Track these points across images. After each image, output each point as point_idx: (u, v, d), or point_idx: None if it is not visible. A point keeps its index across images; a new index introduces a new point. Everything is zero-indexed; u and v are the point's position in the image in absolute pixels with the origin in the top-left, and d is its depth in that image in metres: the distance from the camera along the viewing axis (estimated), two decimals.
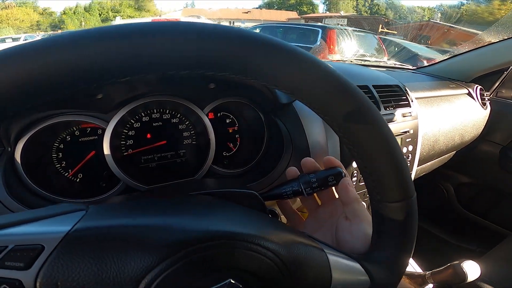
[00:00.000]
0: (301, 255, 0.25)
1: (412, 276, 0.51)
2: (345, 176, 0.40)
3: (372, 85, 0.71)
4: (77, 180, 0.49)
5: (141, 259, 0.19)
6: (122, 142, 0.50)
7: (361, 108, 0.24)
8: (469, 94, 1.11)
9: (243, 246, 0.22)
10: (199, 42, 0.19)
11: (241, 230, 0.23)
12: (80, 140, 0.48)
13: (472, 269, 0.46)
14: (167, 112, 0.53)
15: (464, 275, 0.46)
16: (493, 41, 1.11)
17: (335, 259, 0.27)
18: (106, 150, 0.45)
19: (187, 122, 0.54)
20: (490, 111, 1.14)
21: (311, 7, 44.93)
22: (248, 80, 0.21)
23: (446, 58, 1.27)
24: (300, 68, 0.21)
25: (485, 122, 1.13)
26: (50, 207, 0.22)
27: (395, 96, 0.74)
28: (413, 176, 0.81)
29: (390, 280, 0.29)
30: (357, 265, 0.28)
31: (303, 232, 0.29)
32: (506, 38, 1.06)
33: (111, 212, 0.22)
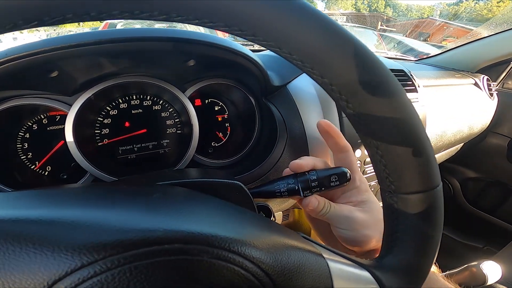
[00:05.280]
0: (293, 263, 0.19)
1: None
2: (350, 178, 0.35)
3: None
4: (45, 174, 0.44)
5: (44, 266, 0.13)
6: (96, 131, 0.46)
7: (371, 67, 0.18)
8: (476, 84, 1.06)
9: (208, 253, 0.16)
10: None
11: (205, 231, 0.17)
12: (48, 129, 0.44)
13: (492, 271, 0.41)
14: (148, 98, 0.48)
15: (484, 277, 0.40)
16: (492, 33, 1.06)
17: (338, 267, 0.22)
18: (69, 137, 0.39)
19: (169, 108, 0.49)
20: (498, 102, 1.09)
21: None
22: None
23: (449, 48, 1.22)
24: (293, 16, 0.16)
25: (493, 113, 1.08)
26: None
27: (401, 81, 0.69)
28: None
29: None
30: (365, 273, 0.22)
31: (297, 233, 0.23)
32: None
33: (18, 202, 0.16)
